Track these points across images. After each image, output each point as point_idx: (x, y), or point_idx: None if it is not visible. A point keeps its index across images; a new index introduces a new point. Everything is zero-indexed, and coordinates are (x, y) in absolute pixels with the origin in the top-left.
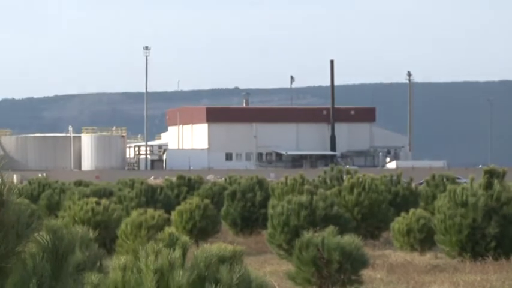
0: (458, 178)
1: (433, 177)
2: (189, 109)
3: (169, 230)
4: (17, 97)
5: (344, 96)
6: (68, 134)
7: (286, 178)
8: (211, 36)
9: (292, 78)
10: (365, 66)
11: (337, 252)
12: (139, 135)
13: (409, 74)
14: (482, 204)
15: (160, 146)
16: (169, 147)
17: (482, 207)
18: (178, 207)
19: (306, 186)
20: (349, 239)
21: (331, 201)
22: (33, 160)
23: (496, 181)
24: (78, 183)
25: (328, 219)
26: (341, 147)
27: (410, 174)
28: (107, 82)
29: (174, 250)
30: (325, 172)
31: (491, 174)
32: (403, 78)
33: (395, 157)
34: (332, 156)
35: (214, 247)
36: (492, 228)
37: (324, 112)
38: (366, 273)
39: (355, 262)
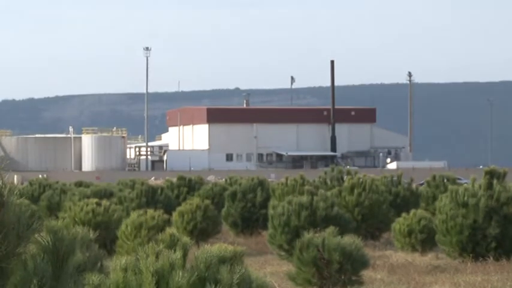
0: (459, 179)
1: (434, 177)
2: (189, 110)
3: (170, 230)
4: (17, 98)
5: (344, 97)
6: (69, 135)
7: (287, 179)
8: (212, 36)
9: (292, 78)
10: (365, 66)
11: (337, 252)
12: (139, 136)
13: (410, 75)
14: (483, 205)
15: (160, 147)
16: (170, 147)
17: (483, 207)
18: (179, 208)
19: (306, 187)
20: (350, 240)
21: (332, 201)
22: (34, 161)
23: (496, 181)
24: (79, 184)
25: (328, 219)
26: (341, 148)
27: (410, 175)
28: (107, 83)
29: (174, 251)
30: (325, 173)
31: (491, 174)
32: (403, 79)
33: (396, 158)
34: (332, 157)
35: (214, 248)
36: (493, 229)
37: (325, 113)
38: (366, 273)
39: (355, 263)
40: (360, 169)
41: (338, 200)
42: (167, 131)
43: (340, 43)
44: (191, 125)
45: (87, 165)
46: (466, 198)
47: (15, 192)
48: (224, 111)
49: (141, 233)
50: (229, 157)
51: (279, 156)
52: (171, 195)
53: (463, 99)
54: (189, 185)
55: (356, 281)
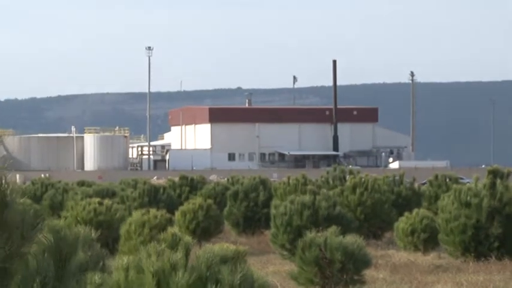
0: (461, 178)
1: (436, 177)
2: (191, 109)
3: (172, 230)
4: (20, 97)
5: (347, 97)
6: (71, 134)
7: (289, 178)
8: (214, 36)
9: (294, 78)
10: (368, 66)
11: (339, 252)
12: (142, 136)
13: (412, 74)
14: (485, 205)
15: (163, 146)
16: (172, 147)
17: (486, 207)
18: (181, 208)
19: (308, 186)
20: (352, 239)
21: (334, 201)
22: (36, 160)
23: (499, 181)
24: (81, 184)
25: (330, 219)
26: (344, 148)
27: (413, 174)
28: (109, 82)
29: (176, 250)
30: (327, 172)
31: (495, 174)
32: (405, 78)
33: (398, 157)
34: (335, 157)
35: (216, 247)
36: (495, 229)
37: (327, 112)
38: (368, 273)
39: (357, 262)
40: (362, 169)
41: (340, 200)
42: (169, 130)
43: (342, 43)
44: (193, 125)
45: (90, 164)
46: (469, 198)
47: (19, 192)
48: (226, 111)
49: (143, 232)
50: (231, 156)
51: (281, 156)
52: (173, 195)
53: (465, 98)
54: (191, 185)
55: (358, 281)
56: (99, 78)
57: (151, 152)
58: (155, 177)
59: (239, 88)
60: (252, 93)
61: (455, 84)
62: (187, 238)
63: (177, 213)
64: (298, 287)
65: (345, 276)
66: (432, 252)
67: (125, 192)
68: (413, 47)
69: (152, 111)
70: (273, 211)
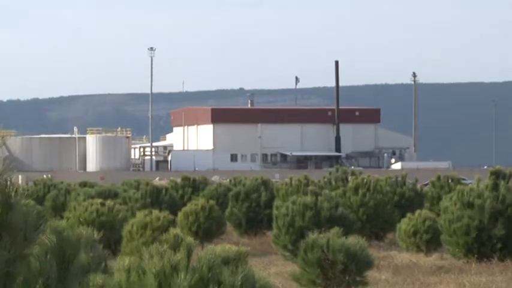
0: (464, 179)
1: (438, 178)
2: (194, 110)
3: (174, 231)
4: (22, 98)
5: (349, 97)
6: (73, 135)
7: (291, 179)
8: (216, 37)
9: (297, 79)
10: (370, 67)
11: (342, 253)
12: (144, 136)
13: (414, 75)
14: (488, 206)
15: (165, 147)
16: (174, 148)
17: (489, 208)
18: (183, 209)
19: (310, 187)
20: (354, 240)
21: (336, 202)
22: (38, 161)
23: (501, 182)
24: (83, 184)
25: (333, 220)
26: (346, 148)
27: (415, 175)
28: (111, 83)
29: (178, 251)
30: (330, 173)
31: (497, 175)
32: (408, 79)
33: (400, 158)
34: (337, 157)
35: (218, 248)
36: (498, 230)
37: (329, 113)
38: (370, 274)
39: (360, 263)
40: (365, 169)
41: (342, 201)
42: (172, 131)
43: (344, 43)
44: (196, 125)
45: (92, 165)
46: (471, 199)
47: (22, 194)
48: (229, 112)
49: (145, 234)
50: (233, 157)
51: (284, 157)
52: (175, 196)
53: (468, 99)
54: (193, 186)
55: (360, 282)
56: (101, 79)
57: (153, 153)
58: (157, 178)
59: (241, 89)
60: (254, 93)
61: (457, 85)
62: (189, 239)
63: (180, 214)
64: None
65: (347, 278)
66: (434, 253)
67: (127, 193)
68: (416, 47)
69: (154, 112)
70: (275, 212)
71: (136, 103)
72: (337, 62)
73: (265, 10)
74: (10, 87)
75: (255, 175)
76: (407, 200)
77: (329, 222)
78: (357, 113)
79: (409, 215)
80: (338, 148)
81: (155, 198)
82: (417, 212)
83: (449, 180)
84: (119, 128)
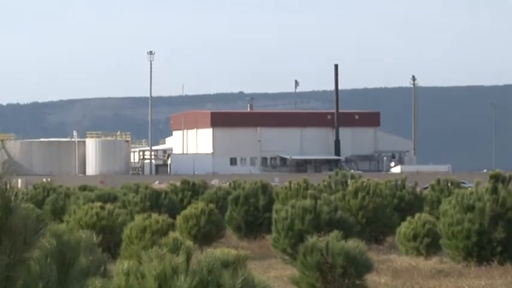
0: (463, 182)
1: (438, 181)
2: (193, 114)
3: (174, 234)
4: (21, 102)
5: (348, 101)
6: (73, 139)
7: (290, 183)
8: (216, 40)
9: (296, 82)
10: (369, 70)
11: (341, 256)
12: (143, 140)
13: (414, 78)
14: (488, 209)
15: (164, 151)
16: (174, 151)
17: (489, 212)
18: (183, 212)
19: (309, 191)
20: (354, 244)
21: (335, 205)
22: (38, 165)
23: (501, 186)
24: (83, 188)
25: (332, 223)
26: (345, 152)
27: (414, 179)
28: (111, 87)
29: (177, 255)
30: (329, 177)
31: (496, 178)
32: (407, 83)
33: (400, 161)
34: (336, 161)
35: (217, 252)
36: (498, 233)
37: (328, 116)
38: (370, 278)
39: (359, 267)
40: (364, 173)
41: (342, 204)
42: (171, 135)
43: (344, 47)
44: (195, 129)
45: (91, 169)
46: (471, 202)
47: (22, 198)
48: (228, 115)
49: (145, 237)
50: (233, 161)
51: (283, 160)
52: (175, 199)
53: (467, 102)
54: (193, 189)
55: (360, 285)
56: (101, 83)
57: (153, 157)
58: (157, 182)
59: (241, 92)
60: (253, 97)
61: (456, 89)
62: (189, 243)
63: (179, 218)
64: None
65: (346, 281)
66: (434, 256)
67: (126, 197)
68: (415, 51)
69: (154, 115)
70: (274, 216)
71: (135, 107)
72: (336, 66)
73: (265, 13)
74: (10, 91)
75: (254, 179)
76: (406, 203)
77: (328, 226)
78: (357, 117)
79: (409, 218)
80: (337, 152)
81: (154, 201)
82: (417, 215)
83: (449, 184)
84: (119, 132)
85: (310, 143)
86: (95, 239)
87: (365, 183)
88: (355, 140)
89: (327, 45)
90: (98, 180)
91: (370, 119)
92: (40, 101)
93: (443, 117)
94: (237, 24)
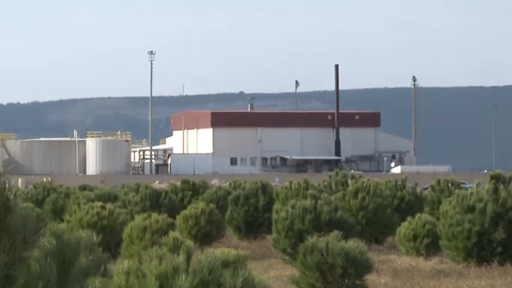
0: (463, 183)
1: (438, 182)
2: (193, 113)
3: (174, 234)
4: (22, 101)
5: (349, 101)
6: (73, 139)
7: (291, 183)
8: (216, 40)
9: (297, 82)
10: (370, 71)
11: (341, 257)
12: (144, 140)
13: (414, 79)
14: (489, 210)
15: (165, 151)
16: (174, 151)
17: (489, 213)
18: (183, 212)
19: (309, 191)
20: (354, 244)
21: (336, 205)
22: (38, 164)
23: (502, 186)
24: (83, 188)
25: (332, 223)
26: (346, 152)
27: (415, 179)
28: (111, 86)
29: (178, 255)
30: (330, 177)
31: (497, 179)
32: (408, 83)
33: (400, 162)
34: (337, 161)
35: (218, 251)
36: (498, 234)
37: (329, 117)
38: (370, 278)
39: (359, 267)
40: (364, 173)
41: (342, 204)
42: (171, 134)
43: (344, 47)
44: (195, 129)
45: (92, 169)
46: (472, 202)
47: (21, 197)
48: (228, 115)
49: (145, 237)
50: (233, 161)
51: (283, 160)
52: (175, 199)
53: (467, 103)
54: (193, 189)
55: (360, 286)
56: (102, 83)
57: (153, 157)
58: (157, 182)
59: (241, 92)
60: (254, 97)
61: (457, 89)
62: (189, 242)
63: (178, 218)
64: None
65: (346, 281)
66: (434, 257)
67: (126, 197)
68: (416, 51)
69: (154, 115)
70: (274, 216)
71: (136, 107)
72: (337, 66)
73: (265, 14)
74: (10, 90)
75: (254, 179)
76: (407, 204)
77: (329, 226)
78: (357, 117)
79: (409, 219)
80: (338, 152)
81: (155, 201)
82: (417, 216)
83: (449, 184)
84: (119, 132)
85: (311, 143)
86: (95, 238)
87: (365, 184)
88: (356, 140)
89: (328, 46)
90: (98, 179)
91: (371, 120)
92: (40, 100)
93: (443, 118)
94: (238, 24)
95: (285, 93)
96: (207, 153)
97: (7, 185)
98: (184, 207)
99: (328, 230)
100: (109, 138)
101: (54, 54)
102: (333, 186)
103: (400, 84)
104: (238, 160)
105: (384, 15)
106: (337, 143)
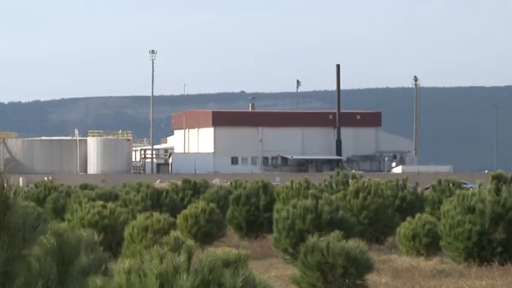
0: (464, 183)
1: (439, 182)
2: (195, 113)
3: (175, 233)
4: (23, 100)
5: (350, 101)
6: (74, 138)
7: (292, 182)
8: (217, 39)
9: (298, 82)
10: (371, 70)
11: (342, 256)
12: (145, 139)
13: (415, 79)
14: (489, 210)
15: (166, 150)
16: (175, 151)
17: (489, 213)
18: (183, 211)
19: (310, 191)
20: (354, 244)
21: (337, 205)
22: (39, 163)
23: (503, 187)
24: (84, 187)
25: (333, 223)
26: (347, 152)
27: (416, 179)
28: (113, 85)
29: (179, 254)
30: (331, 176)
31: (498, 179)
32: (409, 83)
33: (401, 162)
34: (338, 161)
35: (218, 251)
36: (499, 234)
37: (330, 116)
38: (371, 278)
39: (360, 267)
40: (365, 173)
41: (343, 204)
42: (172, 134)
43: (346, 47)
44: (196, 128)
45: (93, 168)
46: (472, 203)
47: (21, 195)
48: (230, 115)
49: (146, 236)
50: (234, 160)
51: (284, 160)
52: (176, 198)
53: (468, 103)
54: (194, 188)
55: (360, 285)
56: (103, 82)
57: (154, 156)
58: (158, 181)
59: (242, 92)
60: (255, 97)
61: (458, 89)
62: (190, 242)
63: (179, 217)
64: None
65: (347, 281)
66: (435, 257)
67: (127, 196)
68: (417, 51)
69: (155, 114)
70: (275, 215)
71: (137, 106)
72: (338, 66)
73: (267, 13)
74: (11, 89)
75: (255, 178)
76: (408, 203)
77: (329, 226)
78: (358, 117)
79: (408, 219)
80: (339, 151)
81: (156, 200)
82: (417, 216)
83: (450, 185)
84: (120, 131)
85: (312, 143)
86: (96, 237)
87: (366, 184)
88: (357, 140)
89: (329, 45)
90: (99, 179)
91: (372, 119)
92: (42, 99)
93: (444, 118)
94: (239, 23)
95: (286, 92)
96: (208, 153)
97: (6, 183)
98: (185, 207)
99: (329, 229)
100: (110, 137)
101: (55, 53)
102: (334, 186)
103: (401, 84)
104: (239, 159)
105: (386, 15)
106: (338, 143)
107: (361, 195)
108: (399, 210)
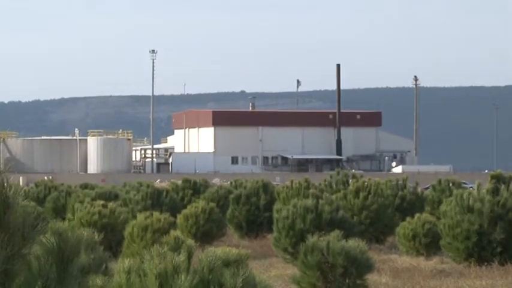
0: (464, 183)
1: (439, 182)
2: (195, 112)
3: (175, 233)
4: (23, 100)
5: (350, 101)
6: (74, 137)
7: (292, 182)
8: (218, 39)
9: (298, 82)
10: (371, 70)
11: (342, 256)
12: (145, 139)
13: (416, 79)
14: (488, 210)
15: (166, 149)
16: (175, 150)
17: (488, 213)
18: (184, 211)
19: (311, 190)
20: (355, 243)
21: (337, 205)
22: (40, 163)
23: (503, 187)
24: (84, 186)
25: (333, 223)
26: (347, 152)
27: (416, 179)
28: (113, 85)
29: (179, 254)
30: (331, 176)
31: (498, 179)
32: (409, 83)
33: (401, 161)
34: (338, 161)
35: (218, 251)
36: (498, 234)
37: (330, 116)
38: (371, 277)
39: (360, 266)
40: (365, 173)
41: (343, 204)
42: (173, 133)
43: (346, 47)
44: (197, 128)
45: (93, 167)
46: (471, 203)
47: (20, 194)
48: (230, 114)
49: (146, 236)
50: (234, 160)
51: (284, 160)
52: (176, 198)
53: (469, 103)
54: (194, 188)
55: (361, 285)
56: (103, 81)
57: (154, 155)
58: (158, 180)
59: (243, 92)
60: (255, 96)
61: (458, 89)
62: (190, 241)
63: (179, 217)
64: None
65: (347, 281)
66: (435, 256)
67: (128, 195)
68: (417, 51)
69: (155, 114)
70: (275, 215)
71: (137, 105)
72: (338, 66)
73: (267, 13)
74: (11, 89)
75: (255, 178)
76: (408, 203)
77: (330, 226)
78: (358, 117)
79: (408, 218)
80: (339, 151)
81: (156, 200)
82: (416, 215)
83: (450, 184)
84: (120, 130)
85: (312, 143)
86: (96, 237)
87: (366, 183)
88: (357, 140)
89: (329, 45)
90: (100, 178)
91: (372, 119)
92: (42, 99)
93: (444, 118)
94: (239, 23)
95: (287, 92)
96: (208, 152)
97: (6, 182)
98: (185, 206)
99: (329, 229)
100: (110, 136)
101: (55, 53)
102: (334, 186)
103: (402, 84)
104: (240, 159)
105: (386, 15)
106: (339, 143)
107: (361, 195)
108: (399, 210)
